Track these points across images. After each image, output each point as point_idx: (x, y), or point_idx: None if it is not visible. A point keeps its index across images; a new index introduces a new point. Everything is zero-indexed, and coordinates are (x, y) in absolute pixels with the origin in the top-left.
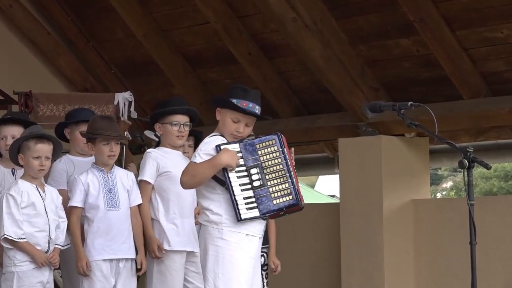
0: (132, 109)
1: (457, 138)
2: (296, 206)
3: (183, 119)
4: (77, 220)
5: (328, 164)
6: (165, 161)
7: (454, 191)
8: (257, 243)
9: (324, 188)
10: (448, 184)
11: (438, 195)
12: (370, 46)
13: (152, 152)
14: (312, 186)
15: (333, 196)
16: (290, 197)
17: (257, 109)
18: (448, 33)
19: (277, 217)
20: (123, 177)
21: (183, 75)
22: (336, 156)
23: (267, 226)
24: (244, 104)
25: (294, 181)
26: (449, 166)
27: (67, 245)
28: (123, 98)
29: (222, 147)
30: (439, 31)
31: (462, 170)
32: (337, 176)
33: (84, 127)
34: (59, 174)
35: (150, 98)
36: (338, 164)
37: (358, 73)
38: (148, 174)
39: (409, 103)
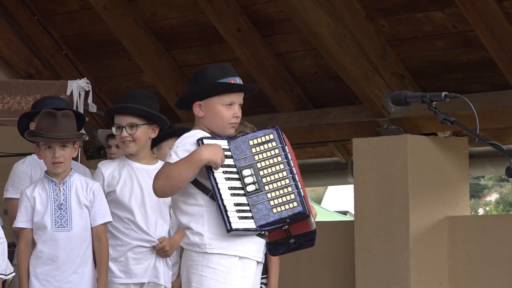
0: (89, 101)
1: (504, 138)
2: (303, 216)
3: (124, 120)
4: (25, 245)
5: (339, 172)
6: (115, 177)
7: (501, 206)
8: (255, 269)
9: (334, 202)
10: (493, 197)
11: (480, 211)
12: (394, 21)
13: (104, 164)
14: (319, 200)
15: (345, 213)
16: (295, 203)
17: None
18: (493, 4)
19: (279, 245)
20: (80, 189)
21: (155, 58)
22: (350, 161)
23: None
24: (233, 81)
25: (300, 185)
26: (494, 174)
27: (11, 273)
28: (78, 87)
29: (205, 141)
30: (482, 1)
31: (511, 179)
32: (351, 187)
33: None
34: (19, 179)
35: (112, 87)
36: (352, 171)
37: (378, 56)
38: None
39: (443, 93)
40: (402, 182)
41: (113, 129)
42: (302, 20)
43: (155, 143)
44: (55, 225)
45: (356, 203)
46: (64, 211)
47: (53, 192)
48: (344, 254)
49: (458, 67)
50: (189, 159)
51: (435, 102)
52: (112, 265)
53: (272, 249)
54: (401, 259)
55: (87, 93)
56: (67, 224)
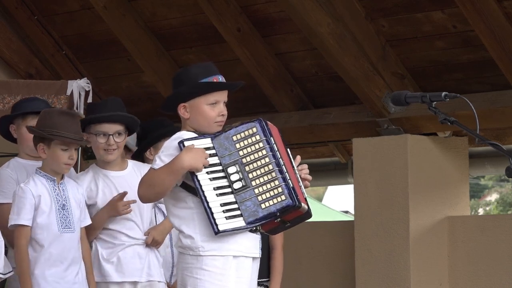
0: (89, 101)
1: (504, 138)
2: (293, 208)
3: (112, 128)
4: (27, 244)
5: (339, 172)
6: (93, 189)
7: (501, 206)
8: (250, 266)
9: (335, 202)
10: (493, 197)
11: (480, 211)
12: (394, 21)
13: (79, 178)
14: (319, 199)
15: (346, 212)
16: (283, 197)
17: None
18: (493, 4)
19: (275, 229)
20: (74, 191)
21: (155, 58)
22: (350, 161)
23: (270, 254)
24: (216, 80)
25: (287, 177)
26: (494, 174)
27: (9, 272)
28: (78, 86)
29: (186, 143)
30: (482, 1)
31: (511, 179)
32: (351, 186)
33: (34, 121)
34: (6, 183)
35: (112, 86)
36: (352, 171)
37: (378, 56)
38: None
39: (443, 93)
40: (402, 182)
41: (96, 137)
42: (302, 20)
43: (152, 142)
44: (62, 226)
45: (356, 203)
46: (66, 211)
47: (54, 192)
48: (344, 254)
49: (458, 67)
50: (170, 167)
51: (435, 102)
52: (105, 266)
53: (270, 233)
54: (401, 259)
55: (87, 93)
56: (71, 225)
